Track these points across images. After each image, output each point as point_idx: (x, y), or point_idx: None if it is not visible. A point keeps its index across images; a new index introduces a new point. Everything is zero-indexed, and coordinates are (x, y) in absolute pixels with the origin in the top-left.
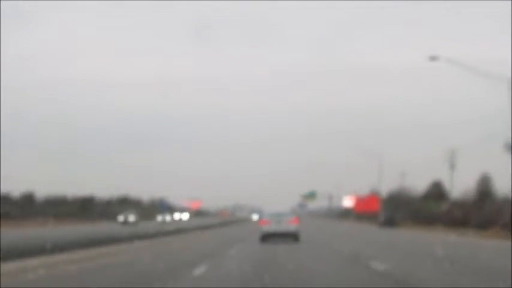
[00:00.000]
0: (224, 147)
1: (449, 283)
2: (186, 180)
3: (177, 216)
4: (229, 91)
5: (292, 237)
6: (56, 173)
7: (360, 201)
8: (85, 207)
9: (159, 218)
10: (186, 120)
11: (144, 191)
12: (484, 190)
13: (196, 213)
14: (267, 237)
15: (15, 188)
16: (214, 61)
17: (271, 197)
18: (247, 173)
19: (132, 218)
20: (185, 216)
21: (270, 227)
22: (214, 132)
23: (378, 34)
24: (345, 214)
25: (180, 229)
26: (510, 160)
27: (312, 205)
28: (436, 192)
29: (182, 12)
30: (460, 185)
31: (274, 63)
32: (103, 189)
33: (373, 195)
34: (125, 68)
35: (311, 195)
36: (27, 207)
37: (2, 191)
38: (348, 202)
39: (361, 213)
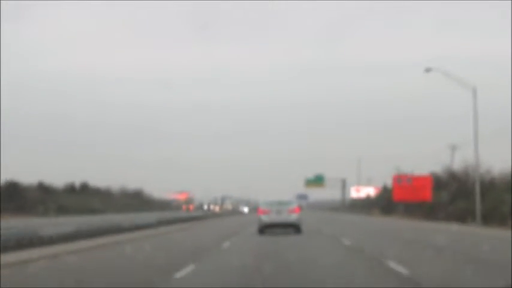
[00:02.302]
0: (219, 140)
1: None
2: (177, 172)
3: None
4: (228, 84)
5: (293, 228)
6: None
7: (402, 185)
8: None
9: None
10: (182, 113)
11: (128, 181)
12: None
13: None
14: (266, 228)
15: None
16: (214, 55)
17: (269, 187)
18: (243, 164)
19: None
20: None
21: (269, 217)
22: (211, 124)
23: (377, 30)
24: (365, 206)
25: None
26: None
27: (317, 195)
28: None
29: (183, 6)
30: None
31: (274, 56)
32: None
33: (426, 176)
34: (117, 62)
35: (318, 181)
36: None
37: None
38: (357, 192)
39: (385, 205)
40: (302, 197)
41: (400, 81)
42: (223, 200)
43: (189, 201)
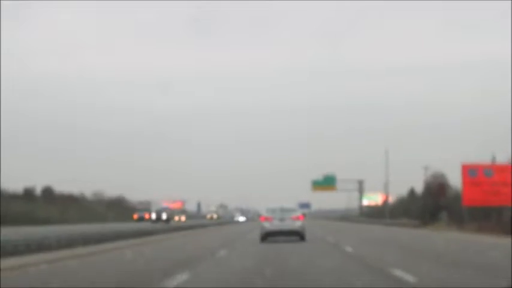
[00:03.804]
0: (219, 147)
1: None
2: (176, 179)
3: None
4: (227, 89)
5: (297, 236)
6: None
7: (478, 181)
8: None
9: None
10: (183, 119)
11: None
12: None
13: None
14: (269, 236)
15: None
16: (214, 59)
17: (271, 196)
18: (244, 173)
19: None
20: None
21: (272, 224)
22: (209, 131)
23: (378, 33)
24: (381, 214)
25: None
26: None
27: (321, 204)
28: None
29: (182, 9)
30: None
31: (277, 59)
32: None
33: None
34: (117, 64)
35: (328, 183)
36: None
37: None
38: (369, 199)
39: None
40: (303, 205)
41: (406, 85)
42: (200, 206)
43: (145, 206)
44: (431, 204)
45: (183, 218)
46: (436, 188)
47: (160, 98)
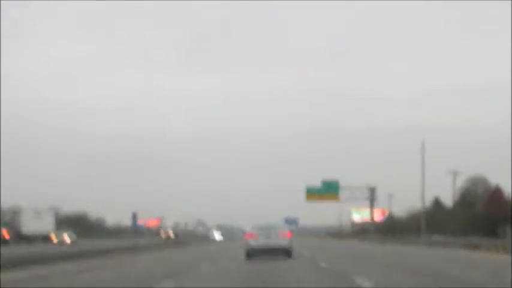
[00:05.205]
0: (208, 168)
1: None
2: (161, 199)
3: None
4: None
5: (284, 253)
6: None
7: None
8: None
9: None
10: (177, 142)
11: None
12: None
13: None
14: (255, 254)
15: None
16: (210, 82)
17: (255, 213)
18: (225, 192)
19: None
20: None
21: (258, 241)
22: (198, 152)
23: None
24: (388, 231)
25: None
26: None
27: (307, 221)
28: None
29: (177, 35)
30: None
31: (275, 81)
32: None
33: None
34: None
35: (327, 189)
36: None
37: None
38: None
39: None
40: (290, 221)
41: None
42: (136, 219)
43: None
44: (483, 218)
45: (66, 238)
46: (491, 196)
47: (154, 122)
